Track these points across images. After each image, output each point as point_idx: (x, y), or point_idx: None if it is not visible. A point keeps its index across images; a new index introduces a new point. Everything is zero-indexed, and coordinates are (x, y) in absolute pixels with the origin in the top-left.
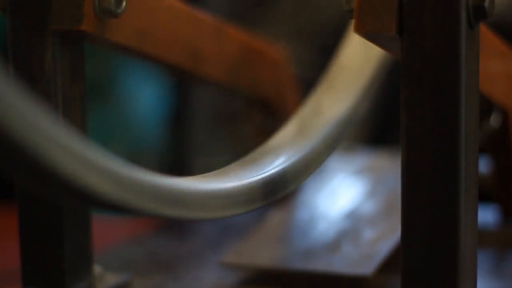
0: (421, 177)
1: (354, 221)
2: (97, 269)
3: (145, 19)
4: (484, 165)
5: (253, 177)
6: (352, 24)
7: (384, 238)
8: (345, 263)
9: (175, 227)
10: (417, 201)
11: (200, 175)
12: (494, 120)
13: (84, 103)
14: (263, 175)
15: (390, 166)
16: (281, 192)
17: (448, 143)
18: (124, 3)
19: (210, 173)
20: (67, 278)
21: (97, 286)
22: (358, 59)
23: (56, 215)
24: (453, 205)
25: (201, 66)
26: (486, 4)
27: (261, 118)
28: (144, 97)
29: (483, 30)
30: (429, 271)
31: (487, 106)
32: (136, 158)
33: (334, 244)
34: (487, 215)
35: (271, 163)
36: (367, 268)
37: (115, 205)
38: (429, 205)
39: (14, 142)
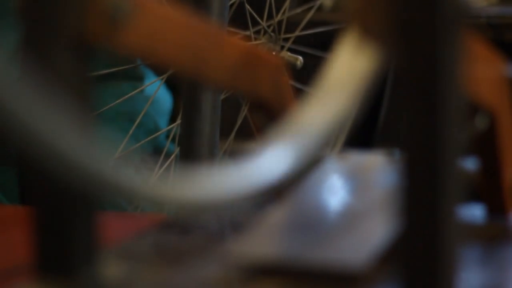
0: (412, 175)
1: (349, 218)
2: (104, 260)
3: (151, 28)
4: (471, 165)
5: (252, 173)
6: (347, 27)
7: (379, 233)
8: (342, 257)
9: (179, 222)
10: (410, 197)
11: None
12: (479, 122)
13: (94, 102)
14: (264, 173)
15: (382, 166)
16: (280, 188)
17: (433, 144)
18: (132, 13)
19: (210, 170)
20: (76, 267)
21: (104, 276)
22: (349, 67)
23: (66, 210)
24: (438, 200)
25: (205, 70)
26: (469, 5)
27: (261, 119)
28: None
29: (468, 32)
30: (425, 261)
31: (473, 107)
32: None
33: (331, 240)
34: (475, 212)
35: (271, 162)
36: (362, 262)
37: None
38: (419, 201)
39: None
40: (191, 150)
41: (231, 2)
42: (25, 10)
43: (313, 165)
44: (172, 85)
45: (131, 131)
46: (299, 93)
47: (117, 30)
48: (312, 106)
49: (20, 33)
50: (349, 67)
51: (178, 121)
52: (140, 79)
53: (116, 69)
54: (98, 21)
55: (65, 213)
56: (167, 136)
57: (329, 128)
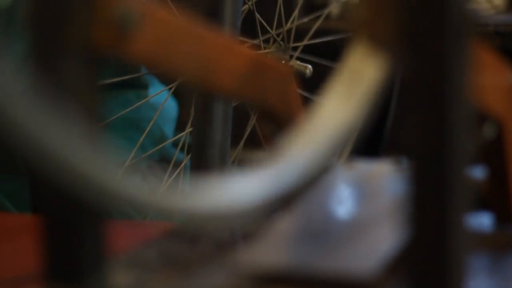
0: (419, 184)
1: (357, 226)
2: (112, 268)
3: (160, 37)
4: (479, 174)
5: (262, 183)
6: (355, 36)
7: (387, 242)
8: (350, 266)
9: (188, 231)
10: (418, 206)
11: (212, 184)
12: (487, 130)
13: (102, 112)
14: (271, 181)
15: (389, 174)
16: (290, 197)
17: (441, 152)
18: (140, 22)
19: (221, 180)
20: (84, 276)
21: (112, 284)
22: (357, 75)
23: (75, 218)
24: (444, 209)
25: (212, 79)
26: (476, 14)
27: (270, 127)
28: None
29: (475, 41)
30: (433, 269)
31: (480, 115)
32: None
33: (339, 248)
34: (483, 221)
35: (279, 171)
36: (370, 270)
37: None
38: (426, 209)
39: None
40: (202, 159)
41: None
42: (33, 19)
43: (321, 174)
44: (177, 92)
45: (140, 140)
46: (307, 102)
47: (125, 39)
48: (320, 115)
49: (28, 42)
50: (357, 76)
51: (188, 130)
52: (145, 87)
53: (122, 78)
54: (106, 30)
55: (74, 222)
56: (175, 145)
57: (337, 136)
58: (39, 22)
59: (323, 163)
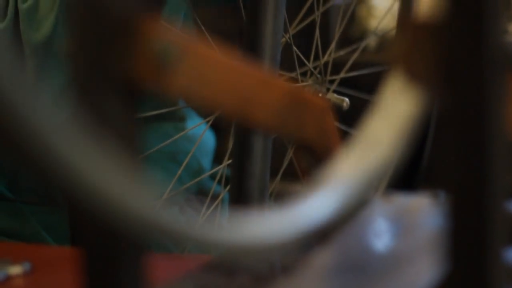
0: (457, 217)
1: (395, 260)
2: None
3: (199, 71)
4: None
5: (300, 216)
6: (392, 70)
7: (425, 276)
8: None
9: (226, 263)
10: (456, 239)
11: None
12: None
13: (141, 145)
14: (310, 215)
15: (427, 208)
16: (329, 231)
17: (479, 186)
18: (180, 57)
19: (259, 213)
20: None
21: None
22: (395, 109)
23: (114, 251)
24: (483, 243)
25: (251, 113)
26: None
27: (307, 161)
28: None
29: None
30: None
31: None
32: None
33: (377, 282)
34: None
35: (318, 205)
36: None
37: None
38: (465, 243)
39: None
40: (241, 192)
41: None
42: (73, 53)
43: (359, 208)
44: (214, 124)
45: (178, 173)
46: (345, 135)
47: (165, 74)
48: (357, 148)
49: (68, 75)
50: (394, 110)
51: (226, 162)
52: (183, 119)
53: (160, 111)
54: (146, 64)
55: (113, 255)
56: (212, 177)
57: (375, 171)
58: (80, 55)
59: (361, 197)
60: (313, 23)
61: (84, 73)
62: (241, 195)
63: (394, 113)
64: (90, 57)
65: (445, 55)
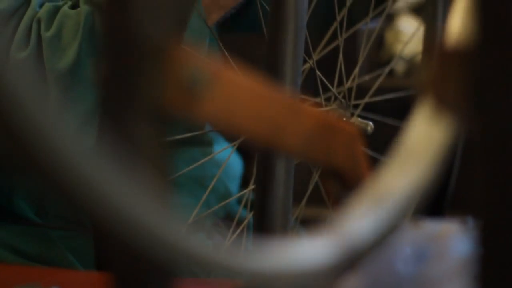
0: (487, 243)
1: (424, 286)
2: None
3: (228, 97)
4: None
5: (328, 243)
6: (421, 96)
7: None
8: None
9: None
10: (486, 265)
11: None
12: None
13: (169, 169)
14: (343, 243)
15: (456, 234)
16: (360, 258)
17: (509, 212)
18: (210, 83)
19: (294, 241)
20: None
21: None
22: (425, 136)
23: (140, 275)
24: None
25: (278, 138)
26: None
27: (334, 186)
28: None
29: None
30: None
31: None
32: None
33: None
34: None
35: (349, 232)
36: None
37: None
38: (495, 269)
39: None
40: (265, 216)
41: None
42: (103, 79)
43: (388, 234)
44: (241, 148)
45: (204, 197)
46: (373, 161)
47: (195, 100)
48: (387, 176)
49: (94, 101)
50: (424, 137)
51: (251, 187)
52: (209, 144)
53: (187, 135)
54: (176, 91)
55: (141, 279)
56: (239, 201)
57: (406, 197)
58: (109, 81)
59: (392, 224)
60: (338, 47)
61: (113, 99)
62: (264, 219)
63: (422, 140)
64: (119, 83)
65: (475, 82)
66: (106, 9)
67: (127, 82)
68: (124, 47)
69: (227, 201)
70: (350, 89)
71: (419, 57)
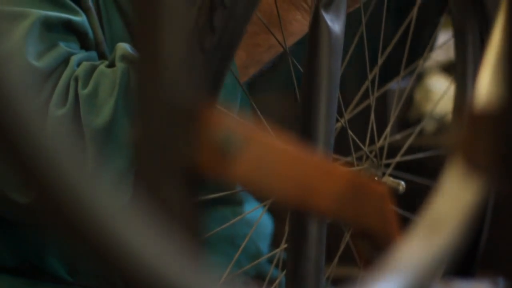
0: None
1: None
2: None
3: (260, 159)
4: None
5: None
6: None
7: None
8: None
9: None
10: None
11: None
12: None
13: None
14: None
15: None
16: None
17: None
18: (242, 145)
19: None
20: None
21: None
22: (454, 197)
23: None
24: None
25: (309, 199)
26: None
27: (365, 245)
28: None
29: None
30: None
31: None
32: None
33: None
34: None
35: None
36: None
37: None
38: None
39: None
40: (297, 276)
41: None
42: (138, 139)
43: None
44: (272, 208)
45: (236, 256)
46: (403, 220)
47: (227, 162)
48: (420, 235)
49: (129, 160)
50: (454, 198)
51: (282, 246)
52: (240, 203)
53: (218, 195)
54: (208, 152)
55: None
56: (270, 261)
57: (437, 258)
58: (143, 142)
59: (424, 284)
60: (369, 106)
61: (147, 159)
62: (297, 279)
63: (454, 199)
64: (153, 144)
65: (505, 144)
66: (138, 70)
67: (160, 143)
68: (157, 108)
69: (259, 260)
70: (381, 148)
71: (450, 116)
